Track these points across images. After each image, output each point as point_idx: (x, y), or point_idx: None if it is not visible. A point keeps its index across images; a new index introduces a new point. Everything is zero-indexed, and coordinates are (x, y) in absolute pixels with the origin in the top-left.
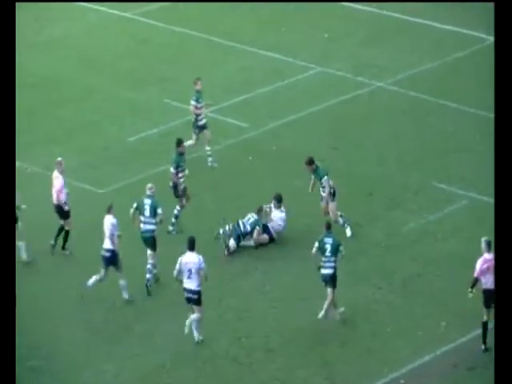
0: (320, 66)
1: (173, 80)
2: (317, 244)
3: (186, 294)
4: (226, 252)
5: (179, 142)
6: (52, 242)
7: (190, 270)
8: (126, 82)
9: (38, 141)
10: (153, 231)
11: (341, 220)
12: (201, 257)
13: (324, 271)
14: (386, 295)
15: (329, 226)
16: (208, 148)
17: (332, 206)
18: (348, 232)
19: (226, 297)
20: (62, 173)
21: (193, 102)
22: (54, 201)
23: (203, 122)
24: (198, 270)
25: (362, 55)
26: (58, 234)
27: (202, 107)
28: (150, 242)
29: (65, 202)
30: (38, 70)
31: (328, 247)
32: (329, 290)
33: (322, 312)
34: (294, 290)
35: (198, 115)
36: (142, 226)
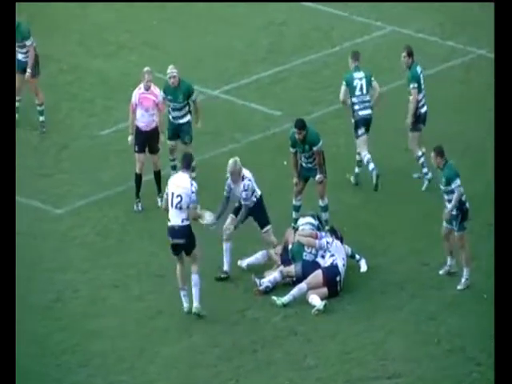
0: (392, 24)
1: (156, 45)
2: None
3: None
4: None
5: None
6: None
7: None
8: (92, 47)
9: None
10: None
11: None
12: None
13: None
14: None
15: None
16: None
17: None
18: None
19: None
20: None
21: None
22: (144, 126)
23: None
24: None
25: (452, 11)
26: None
27: None
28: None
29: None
30: None
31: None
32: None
33: None
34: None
35: None
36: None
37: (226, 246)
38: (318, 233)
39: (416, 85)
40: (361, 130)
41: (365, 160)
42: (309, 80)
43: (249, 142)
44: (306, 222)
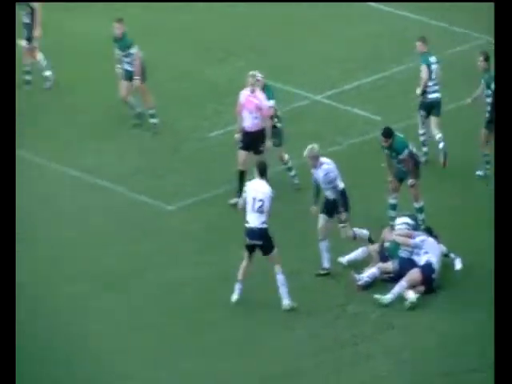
0: (488, 34)
1: (262, 51)
2: None
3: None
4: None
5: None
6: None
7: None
8: (202, 54)
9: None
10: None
11: None
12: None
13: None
14: None
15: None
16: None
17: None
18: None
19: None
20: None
21: None
22: (249, 127)
23: None
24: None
25: None
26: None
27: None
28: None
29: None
30: None
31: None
32: None
33: None
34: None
35: None
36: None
37: (322, 245)
38: (414, 232)
39: None
40: (427, 114)
41: (437, 137)
42: (408, 87)
43: (349, 145)
44: (402, 222)
